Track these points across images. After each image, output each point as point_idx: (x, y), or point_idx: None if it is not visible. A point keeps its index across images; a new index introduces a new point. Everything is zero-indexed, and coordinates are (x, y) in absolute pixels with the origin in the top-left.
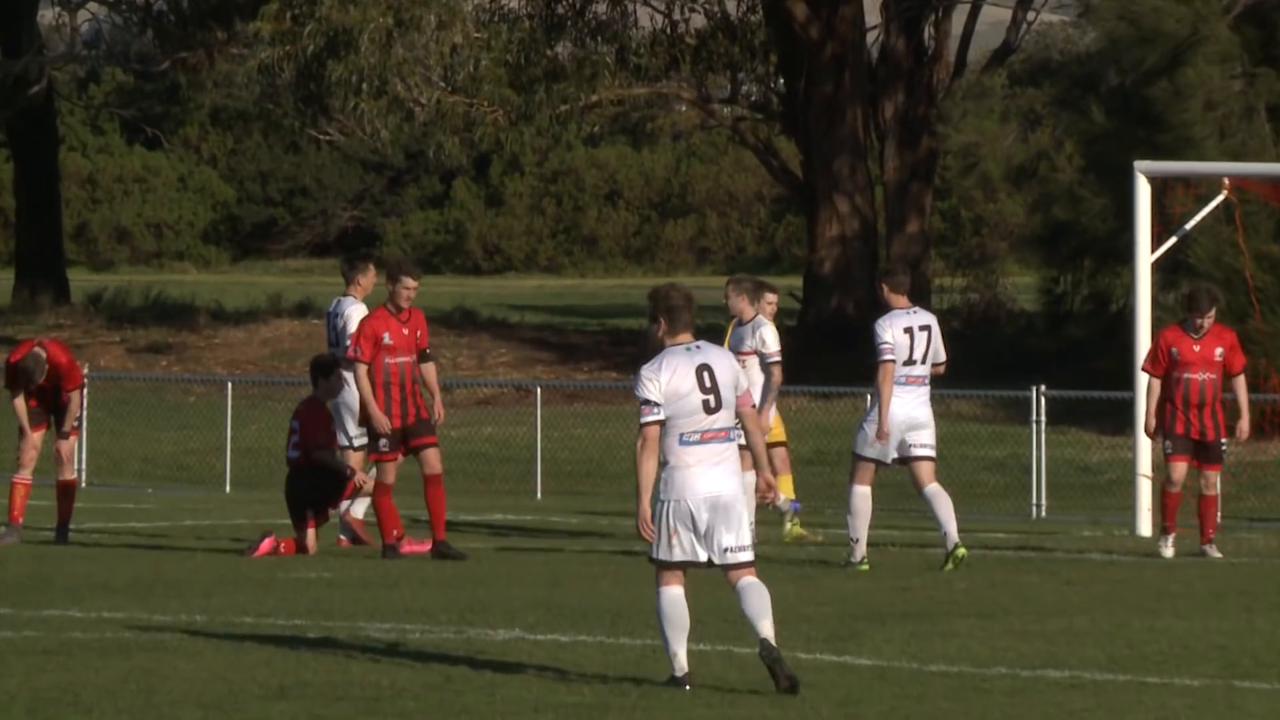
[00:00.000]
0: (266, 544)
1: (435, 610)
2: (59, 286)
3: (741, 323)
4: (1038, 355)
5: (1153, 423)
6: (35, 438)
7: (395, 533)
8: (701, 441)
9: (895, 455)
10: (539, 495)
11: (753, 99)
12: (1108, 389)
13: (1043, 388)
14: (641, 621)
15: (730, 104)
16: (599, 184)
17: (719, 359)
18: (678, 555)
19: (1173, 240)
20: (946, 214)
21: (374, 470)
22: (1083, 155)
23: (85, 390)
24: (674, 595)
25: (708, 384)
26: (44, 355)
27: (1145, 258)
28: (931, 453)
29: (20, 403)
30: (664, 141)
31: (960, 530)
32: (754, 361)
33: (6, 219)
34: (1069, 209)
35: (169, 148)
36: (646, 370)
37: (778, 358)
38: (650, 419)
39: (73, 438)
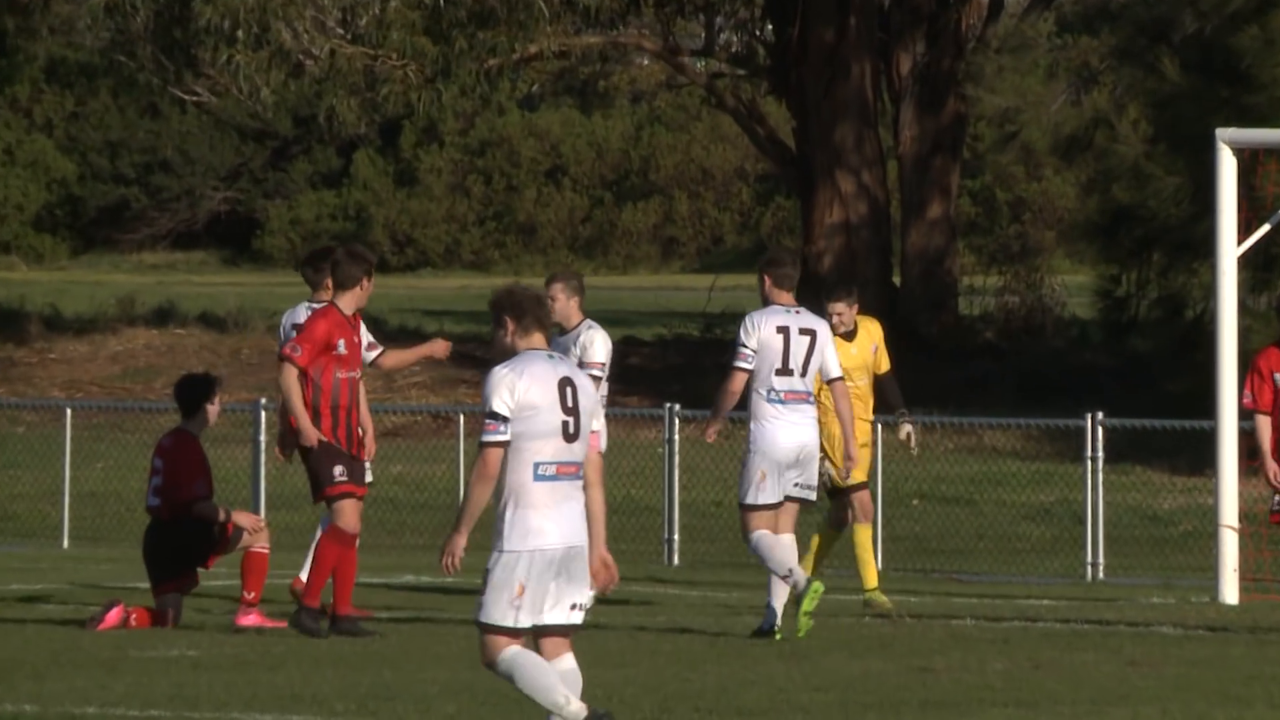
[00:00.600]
0: (114, 614)
1: (329, 697)
2: None
3: (564, 331)
4: (1093, 374)
5: (1273, 469)
6: None
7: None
8: (554, 476)
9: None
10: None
11: (733, 50)
12: (1182, 417)
13: (1100, 416)
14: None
15: (704, 56)
16: (538, 158)
17: (583, 380)
18: (525, 621)
19: (1265, 229)
20: (977, 195)
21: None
22: (1150, 122)
23: None
24: (519, 655)
25: (569, 403)
26: None
27: (1230, 250)
28: (814, 496)
29: None
30: (620, 104)
31: (998, 596)
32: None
33: None
34: (1133, 189)
35: None
36: (501, 372)
37: (601, 371)
38: (496, 439)
39: None
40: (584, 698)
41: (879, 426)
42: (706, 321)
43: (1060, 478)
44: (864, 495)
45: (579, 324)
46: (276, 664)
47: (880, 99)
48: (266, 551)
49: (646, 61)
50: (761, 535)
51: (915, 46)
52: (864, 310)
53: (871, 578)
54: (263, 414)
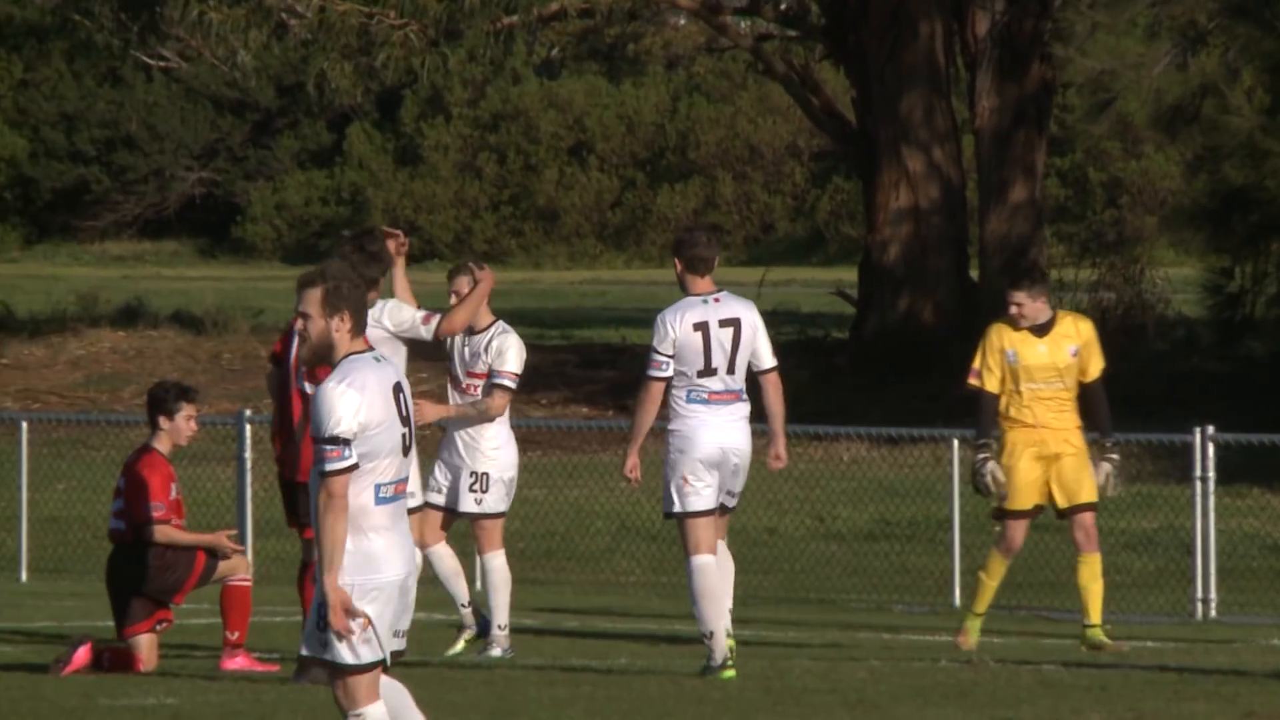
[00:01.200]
0: (83, 654)
1: None
2: None
3: (473, 332)
4: (1203, 382)
5: None
6: None
7: None
8: (395, 496)
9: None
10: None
11: (782, 7)
12: None
13: (1210, 430)
14: None
15: (749, 15)
16: (560, 133)
17: (404, 379)
18: (368, 656)
19: None
20: (1067, 175)
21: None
22: (1269, 90)
23: None
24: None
25: (404, 412)
26: None
27: None
28: (735, 503)
29: None
30: (654, 71)
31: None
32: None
33: None
34: (1247, 168)
35: None
36: (338, 388)
37: (512, 383)
38: (343, 465)
39: None
40: None
41: (956, 444)
42: None
43: (1165, 501)
44: (1088, 518)
45: (490, 325)
46: (267, 713)
47: (953, 64)
48: (249, 584)
49: (683, 21)
50: (704, 569)
51: (994, 2)
52: (940, 308)
53: (1095, 612)
54: (247, 427)
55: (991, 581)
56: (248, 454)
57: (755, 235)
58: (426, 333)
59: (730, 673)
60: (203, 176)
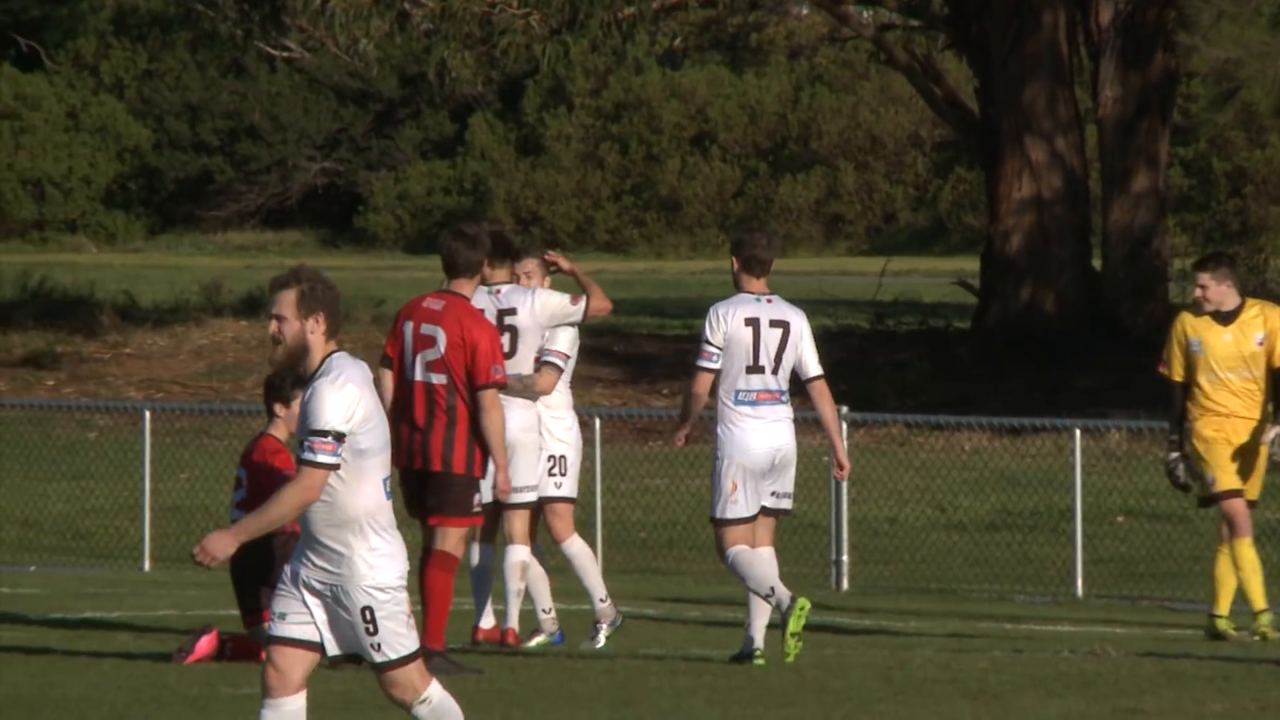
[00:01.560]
0: (206, 643)
1: None
2: None
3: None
4: None
5: None
6: None
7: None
8: (392, 492)
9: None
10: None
11: None
12: None
13: None
14: None
15: (872, 5)
16: (682, 123)
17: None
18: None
19: None
20: (1191, 165)
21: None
22: None
23: None
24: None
25: (383, 409)
26: None
27: None
28: (790, 505)
29: None
30: (776, 61)
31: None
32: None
33: None
34: None
35: (53, 68)
36: (335, 383)
37: (561, 361)
38: (332, 461)
39: None
40: None
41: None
42: (877, 311)
43: None
44: (1239, 503)
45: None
46: (388, 703)
47: (1076, 53)
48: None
49: (805, 11)
50: (739, 551)
51: None
52: (1062, 298)
53: (1225, 603)
54: None
55: (1247, 573)
56: None
57: (877, 225)
58: (577, 314)
59: (803, 605)
60: (325, 166)
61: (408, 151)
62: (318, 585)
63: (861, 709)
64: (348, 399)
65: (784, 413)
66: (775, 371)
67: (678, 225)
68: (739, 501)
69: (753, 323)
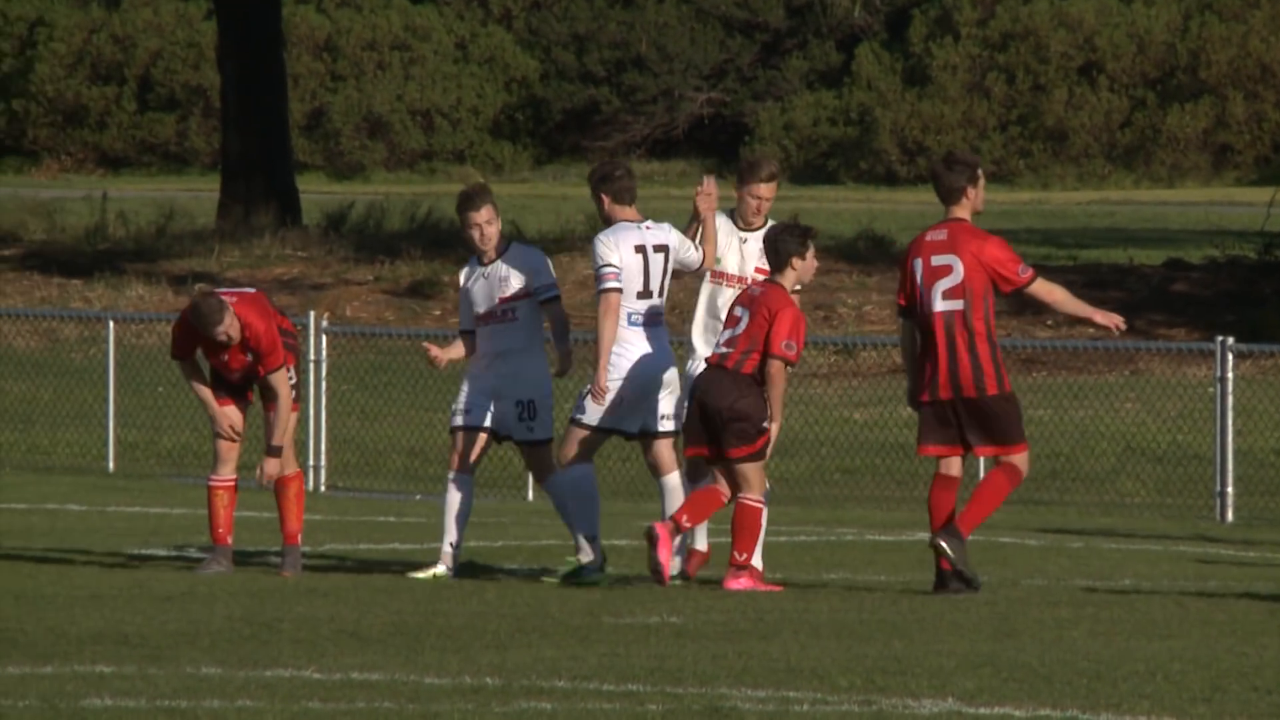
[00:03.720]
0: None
1: (831, 670)
2: (284, 201)
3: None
4: None
5: None
6: (233, 416)
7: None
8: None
9: (637, 424)
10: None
11: None
12: None
13: None
14: (1130, 690)
15: None
16: (1070, 52)
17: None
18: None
19: None
20: None
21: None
22: None
23: (323, 361)
24: None
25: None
26: (226, 311)
27: None
28: (675, 426)
29: (200, 388)
30: None
31: None
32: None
33: (209, 104)
34: None
35: (443, 1)
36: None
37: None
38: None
39: (284, 441)
40: None
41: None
42: (1265, 242)
43: None
44: None
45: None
46: (770, 633)
47: None
48: (760, 506)
49: None
50: (583, 474)
51: None
52: None
53: None
54: None
55: None
56: None
57: (1266, 155)
58: (695, 260)
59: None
60: (711, 97)
61: (794, 82)
62: None
63: (1245, 641)
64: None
65: (666, 335)
66: (661, 294)
67: (1064, 155)
68: (597, 412)
69: (640, 249)
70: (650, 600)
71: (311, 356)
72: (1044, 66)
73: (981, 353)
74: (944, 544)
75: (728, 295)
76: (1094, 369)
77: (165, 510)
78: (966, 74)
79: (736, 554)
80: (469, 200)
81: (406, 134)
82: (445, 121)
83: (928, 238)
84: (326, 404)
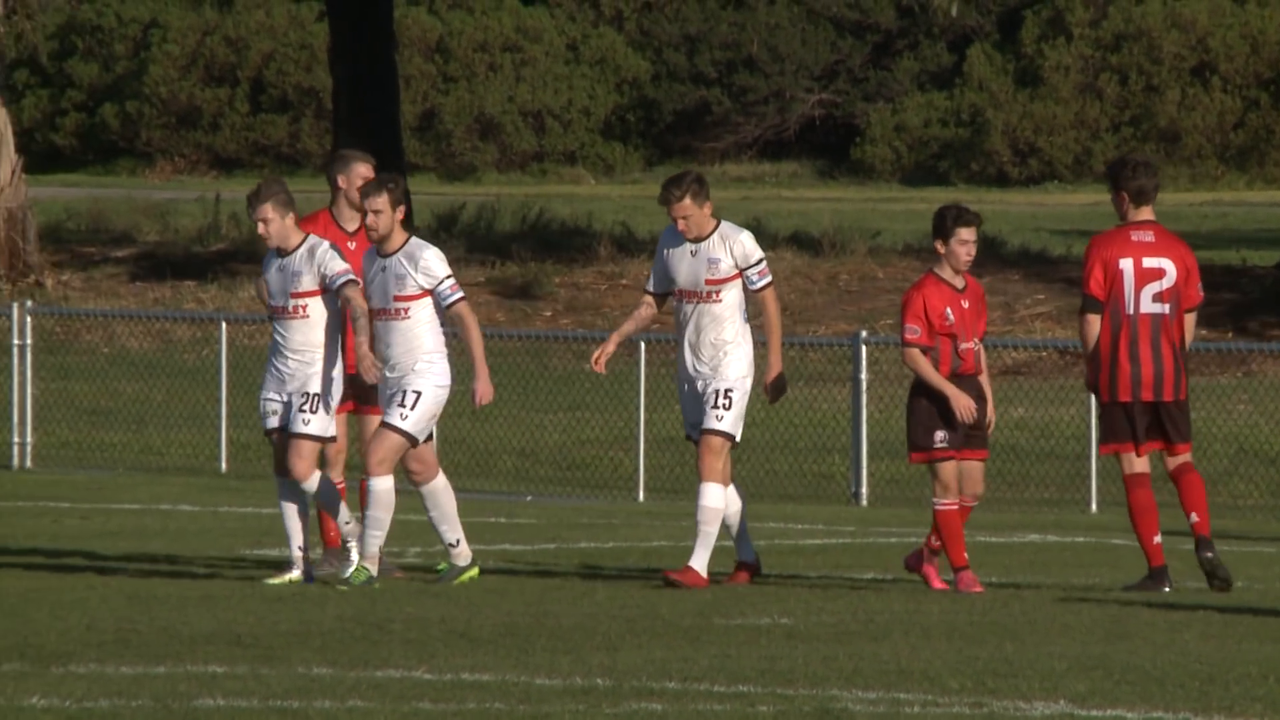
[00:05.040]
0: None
1: (942, 673)
2: None
3: (284, 253)
4: None
5: None
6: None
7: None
8: None
9: None
10: (1093, 506)
11: None
12: None
13: None
14: (1243, 692)
15: None
16: (1183, 53)
17: None
18: None
19: None
20: None
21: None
22: None
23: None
24: None
25: None
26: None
27: None
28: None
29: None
30: None
31: None
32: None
33: (321, 105)
34: None
35: (554, 1)
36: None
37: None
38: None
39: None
40: None
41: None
42: None
43: None
44: None
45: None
46: (881, 634)
47: None
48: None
49: None
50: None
51: None
52: None
53: None
54: (863, 349)
55: None
56: (863, 375)
57: None
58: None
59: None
60: (823, 98)
61: (905, 83)
62: None
63: None
64: None
65: None
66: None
67: (1177, 156)
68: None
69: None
70: (761, 602)
71: None
72: (1157, 67)
73: (1180, 357)
74: (1213, 555)
75: (686, 310)
76: (1206, 370)
77: (277, 511)
78: (1079, 75)
79: (934, 539)
80: (257, 193)
81: (518, 135)
82: (556, 123)
83: (1133, 237)
84: None
